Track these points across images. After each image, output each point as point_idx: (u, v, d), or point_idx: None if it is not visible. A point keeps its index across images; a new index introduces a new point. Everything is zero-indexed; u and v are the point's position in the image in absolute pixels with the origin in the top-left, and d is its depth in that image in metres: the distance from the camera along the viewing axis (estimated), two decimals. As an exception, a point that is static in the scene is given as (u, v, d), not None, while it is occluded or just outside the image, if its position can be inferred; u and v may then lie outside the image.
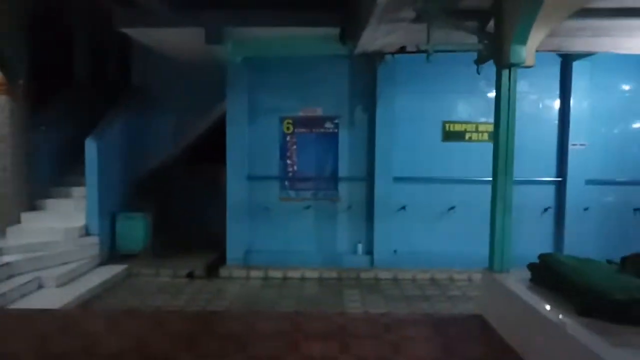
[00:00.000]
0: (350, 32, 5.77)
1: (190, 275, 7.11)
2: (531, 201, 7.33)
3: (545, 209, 7.43)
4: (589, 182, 7.29)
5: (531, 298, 4.07)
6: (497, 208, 4.80)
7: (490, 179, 7.13)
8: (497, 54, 4.65)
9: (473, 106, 7.42)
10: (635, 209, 7.38)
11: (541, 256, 4.60)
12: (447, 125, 7.43)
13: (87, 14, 9.02)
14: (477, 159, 7.37)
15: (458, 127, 7.44)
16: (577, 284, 3.74)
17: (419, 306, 5.80)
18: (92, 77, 9.44)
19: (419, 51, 4.81)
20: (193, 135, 8.45)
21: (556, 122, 7.39)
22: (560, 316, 3.61)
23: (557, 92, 7.35)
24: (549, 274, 4.26)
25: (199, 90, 7.94)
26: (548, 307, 3.80)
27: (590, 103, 7.25)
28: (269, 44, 6.70)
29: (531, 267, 4.63)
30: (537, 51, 4.59)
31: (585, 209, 7.31)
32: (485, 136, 7.44)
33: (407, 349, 4.14)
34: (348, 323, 4.74)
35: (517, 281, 4.59)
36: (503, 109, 4.69)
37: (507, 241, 4.83)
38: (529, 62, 4.54)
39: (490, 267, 4.92)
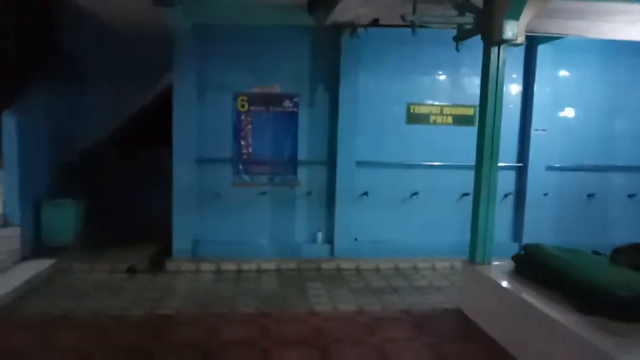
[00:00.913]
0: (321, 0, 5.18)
1: (131, 270, 6.30)
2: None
3: (506, 195, 7.33)
4: (549, 168, 7.27)
5: (524, 293, 3.80)
6: (482, 195, 4.51)
7: (454, 163, 7.15)
8: (486, 30, 4.29)
9: (439, 88, 7.11)
10: (589, 195, 7.47)
11: (526, 247, 4.38)
12: (411, 107, 7.08)
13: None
14: (441, 143, 7.12)
15: (423, 109, 7.12)
16: (576, 279, 3.50)
17: (390, 299, 5.44)
18: (7, 39, 8.05)
19: (403, 25, 4.33)
20: (133, 112, 7.50)
21: (519, 106, 7.27)
22: (561, 313, 3.35)
23: (521, 76, 7.21)
24: (537, 267, 4.02)
25: (141, 59, 7.00)
26: (546, 303, 3.54)
27: (552, 88, 7.18)
28: (225, 9, 5.93)
29: (516, 258, 4.40)
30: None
31: (545, 194, 7.29)
32: (450, 119, 7.17)
33: (393, 353, 3.75)
34: (323, 324, 4.29)
35: (501, 273, 4.34)
36: (491, 89, 4.37)
37: (491, 231, 4.56)
38: (520, 40, 4.22)
39: (472, 259, 4.64)
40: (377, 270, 6.70)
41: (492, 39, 4.21)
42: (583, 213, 7.48)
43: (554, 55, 7.09)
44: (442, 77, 7.10)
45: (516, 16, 4.08)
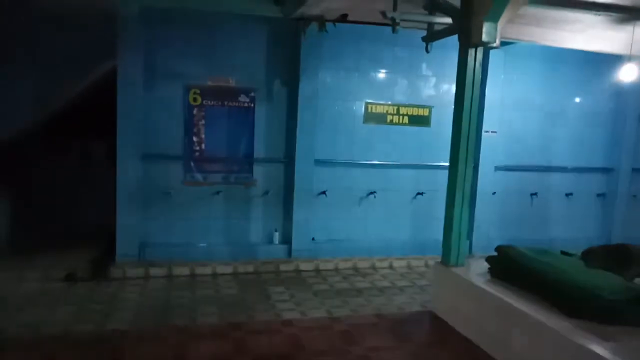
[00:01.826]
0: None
1: (70, 278, 5.66)
2: (445, 185, 7.28)
3: (458, 194, 7.46)
4: (498, 168, 7.51)
5: (506, 295, 3.81)
6: (456, 198, 4.49)
7: (409, 163, 7.19)
8: (464, 32, 4.25)
9: (396, 87, 7.08)
10: (532, 193, 7.84)
11: (500, 249, 4.42)
12: (369, 106, 6.99)
13: None
14: (397, 143, 7.12)
15: (380, 109, 7.06)
16: (560, 283, 3.56)
17: (357, 302, 5.32)
18: None
19: (372, 22, 4.19)
20: (69, 101, 6.73)
21: (471, 108, 7.42)
22: (548, 317, 3.39)
23: (474, 79, 7.35)
24: (515, 269, 4.06)
25: (78, 43, 6.29)
26: (530, 307, 3.57)
27: (501, 92, 7.40)
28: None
29: (490, 260, 4.43)
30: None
31: (493, 194, 7.53)
32: (406, 119, 7.18)
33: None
34: (300, 335, 4.05)
35: (477, 276, 4.35)
36: (467, 91, 4.35)
37: (465, 232, 4.56)
38: (497, 43, 4.23)
39: (445, 261, 4.61)
40: (336, 270, 6.57)
41: (471, 41, 4.17)
42: (526, 211, 7.83)
43: (504, 60, 7.31)
44: (400, 77, 7.07)
45: (495, 19, 4.08)
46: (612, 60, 7.26)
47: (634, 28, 5.69)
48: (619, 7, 5.30)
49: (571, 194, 7.96)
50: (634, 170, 8.12)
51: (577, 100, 7.89)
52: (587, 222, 8.04)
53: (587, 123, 7.92)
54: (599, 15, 5.45)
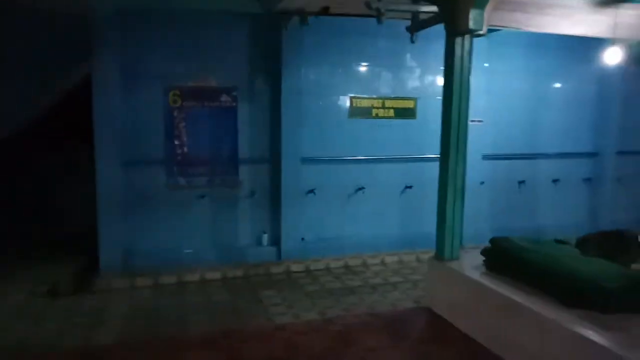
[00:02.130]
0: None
1: (53, 292, 5.43)
2: (434, 177, 7.20)
3: (446, 186, 7.40)
4: (485, 157, 7.46)
5: (504, 289, 3.72)
6: (448, 190, 4.39)
7: (396, 156, 7.10)
8: (450, 20, 4.14)
9: (380, 80, 6.97)
10: (520, 182, 7.82)
11: (494, 241, 4.33)
12: (354, 100, 6.87)
13: None
14: (383, 136, 7.01)
15: (365, 103, 6.94)
16: (558, 273, 3.48)
17: (349, 301, 5.21)
18: None
19: (354, 14, 4.06)
20: (45, 106, 6.47)
21: (456, 98, 7.35)
22: (549, 309, 3.32)
23: (457, 68, 7.28)
24: (512, 261, 3.98)
25: (53, 47, 6.03)
26: (530, 299, 3.49)
27: (485, 80, 7.34)
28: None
29: (485, 252, 4.35)
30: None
31: (482, 183, 7.48)
32: (392, 112, 7.08)
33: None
34: (294, 339, 3.91)
35: (472, 269, 4.26)
36: (455, 80, 4.24)
37: (458, 225, 4.47)
38: (484, 30, 4.14)
39: (440, 255, 4.52)
40: (327, 270, 6.45)
41: (457, 29, 4.07)
42: (514, 199, 7.80)
43: (487, 48, 7.24)
44: (384, 70, 6.96)
45: (482, 6, 3.98)
46: (594, 45, 7.24)
47: (616, 11, 5.67)
48: (600, -9, 5.27)
49: (558, 180, 7.95)
50: (618, 153, 8.14)
51: (561, 86, 7.90)
52: (575, 207, 8.05)
53: (571, 108, 7.93)
54: (582, -1, 5.42)
